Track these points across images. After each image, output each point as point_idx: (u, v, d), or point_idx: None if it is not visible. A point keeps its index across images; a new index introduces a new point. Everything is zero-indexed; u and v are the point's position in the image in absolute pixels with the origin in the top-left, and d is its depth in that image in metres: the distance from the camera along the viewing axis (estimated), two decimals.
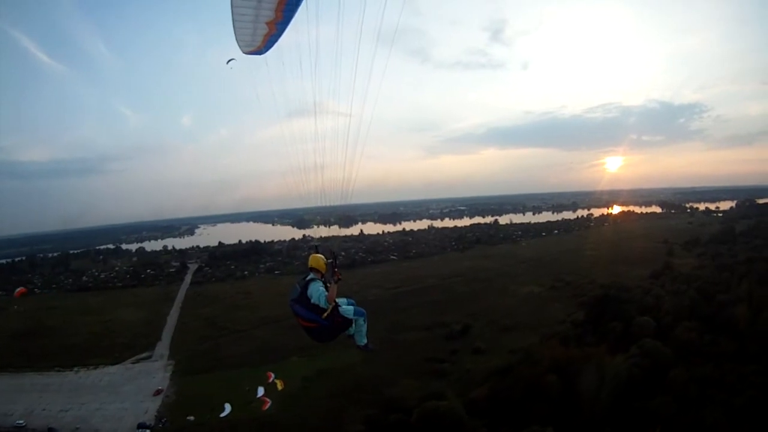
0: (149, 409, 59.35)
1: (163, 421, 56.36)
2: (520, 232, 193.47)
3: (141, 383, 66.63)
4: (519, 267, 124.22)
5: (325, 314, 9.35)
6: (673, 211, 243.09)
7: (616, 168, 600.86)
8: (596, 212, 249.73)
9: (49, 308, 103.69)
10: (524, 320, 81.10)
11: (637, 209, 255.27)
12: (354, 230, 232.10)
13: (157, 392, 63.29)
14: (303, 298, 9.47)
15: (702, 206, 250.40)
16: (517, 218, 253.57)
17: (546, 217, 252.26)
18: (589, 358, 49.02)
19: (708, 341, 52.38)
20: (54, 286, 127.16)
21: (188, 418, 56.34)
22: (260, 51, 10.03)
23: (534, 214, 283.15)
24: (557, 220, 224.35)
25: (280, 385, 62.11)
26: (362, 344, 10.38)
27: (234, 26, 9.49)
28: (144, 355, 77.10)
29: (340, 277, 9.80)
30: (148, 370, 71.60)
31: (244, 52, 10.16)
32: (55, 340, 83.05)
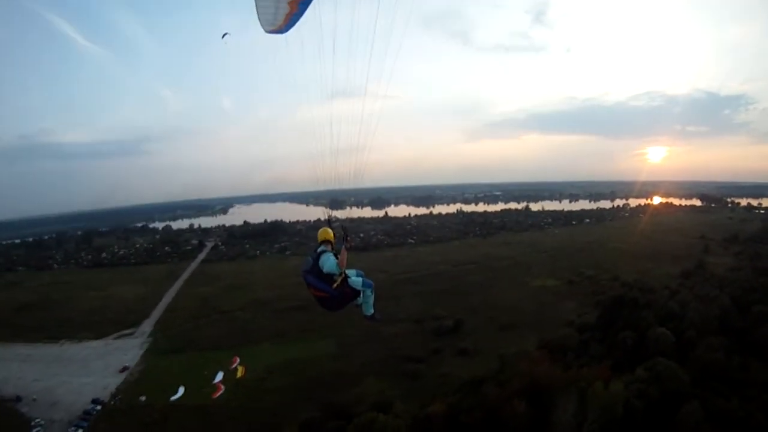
0: (110, 385, 60.73)
1: (117, 398, 56.71)
2: (550, 220, 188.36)
3: (113, 359, 68.17)
4: (538, 257, 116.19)
5: (335, 284, 9.94)
6: (713, 205, 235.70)
7: (659, 158, 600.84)
8: (634, 202, 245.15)
9: (60, 283, 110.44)
10: (528, 318, 73.64)
11: (677, 201, 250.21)
12: (382, 212, 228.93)
13: (123, 369, 64.31)
14: (315, 268, 10.04)
15: (744, 201, 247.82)
16: (553, 205, 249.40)
17: (582, 205, 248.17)
18: (576, 380, 40.08)
19: (737, 364, 42.64)
20: (72, 262, 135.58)
21: (140, 398, 55.83)
22: (281, 30, 10.35)
23: (571, 201, 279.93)
24: (592, 209, 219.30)
25: (240, 373, 59.93)
26: (369, 314, 11.00)
27: (256, 5, 9.94)
28: (128, 331, 78.65)
29: (352, 244, 10.38)
30: (125, 346, 72.81)
31: (266, 31, 10.51)
32: (53, 313, 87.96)
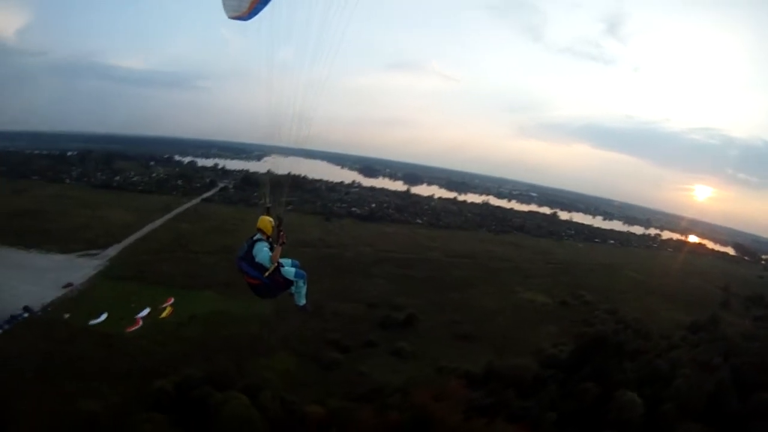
0: (48, 297, 64.30)
1: (45, 310, 60.88)
2: (573, 232, 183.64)
3: (65, 274, 72.83)
4: (543, 267, 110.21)
5: (267, 273, 10.59)
6: (746, 258, 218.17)
7: (703, 198, 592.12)
8: (666, 235, 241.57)
9: (62, 197, 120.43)
10: (495, 333, 68.35)
11: (710, 245, 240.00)
12: (412, 189, 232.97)
13: (66, 285, 67.74)
14: (248, 256, 10.65)
15: None
16: (584, 219, 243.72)
17: (614, 225, 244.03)
18: None
19: None
20: (85, 179, 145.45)
21: (64, 315, 58.74)
22: (245, 17, 10.68)
23: (604, 219, 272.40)
24: (621, 231, 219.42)
25: (165, 313, 61.97)
26: (300, 304, 11.74)
27: None
28: (94, 251, 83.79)
29: (284, 240, 10.78)
30: (83, 265, 77.65)
31: (228, 17, 10.75)
32: (39, 223, 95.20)
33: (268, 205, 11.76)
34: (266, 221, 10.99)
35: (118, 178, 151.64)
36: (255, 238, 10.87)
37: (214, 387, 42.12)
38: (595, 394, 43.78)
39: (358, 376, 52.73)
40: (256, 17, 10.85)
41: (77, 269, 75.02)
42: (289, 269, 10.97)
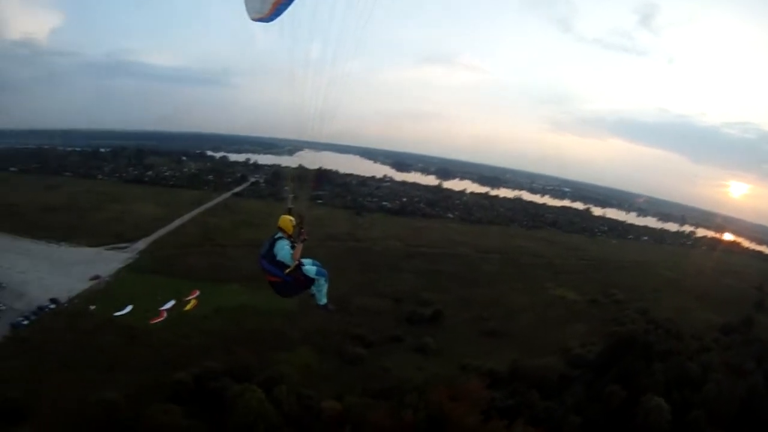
0: (75, 289, 65.71)
1: (72, 302, 61.64)
2: (606, 228, 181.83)
3: (93, 267, 74.37)
4: (575, 264, 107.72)
5: (288, 271, 10.70)
6: None
7: (739, 194, 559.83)
8: (701, 233, 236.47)
9: (94, 192, 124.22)
10: (522, 330, 65.67)
11: (746, 243, 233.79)
12: (444, 183, 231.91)
13: (94, 278, 68.86)
14: (269, 254, 10.77)
15: None
16: (618, 215, 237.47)
17: (648, 221, 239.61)
18: None
19: None
20: (117, 175, 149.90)
21: (90, 306, 59.18)
22: (268, 18, 10.73)
23: (638, 215, 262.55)
24: (655, 228, 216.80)
25: (190, 306, 61.38)
26: (322, 304, 11.67)
27: None
28: (122, 245, 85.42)
29: (306, 237, 10.98)
30: (111, 258, 79.18)
31: (251, 19, 10.92)
32: (70, 218, 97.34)
33: (290, 205, 11.75)
34: (287, 220, 11.00)
35: (150, 173, 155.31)
36: (276, 236, 10.92)
37: (233, 380, 41.44)
38: (621, 398, 41.95)
39: (381, 371, 51.17)
40: (280, 17, 10.80)
41: (106, 262, 76.30)
42: (310, 267, 10.96)
